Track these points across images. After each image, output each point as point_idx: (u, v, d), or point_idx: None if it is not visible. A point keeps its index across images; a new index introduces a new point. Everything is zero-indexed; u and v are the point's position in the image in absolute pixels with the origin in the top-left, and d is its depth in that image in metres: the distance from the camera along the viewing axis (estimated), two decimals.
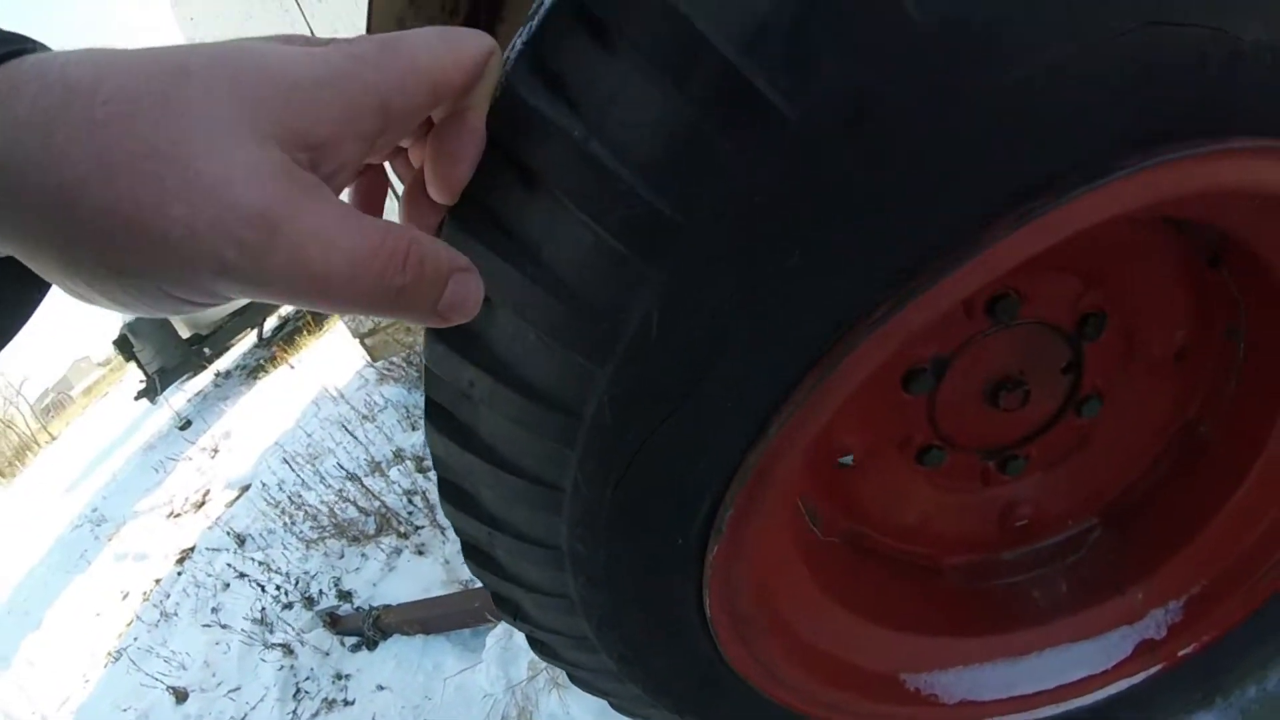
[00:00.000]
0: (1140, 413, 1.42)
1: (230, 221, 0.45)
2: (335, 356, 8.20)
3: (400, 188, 0.72)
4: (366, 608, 3.68)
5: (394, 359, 6.15)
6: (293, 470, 5.52)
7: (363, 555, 4.25)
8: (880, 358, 0.82)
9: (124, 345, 10.73)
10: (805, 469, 1.31)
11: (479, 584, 2.48)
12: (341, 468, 4.92)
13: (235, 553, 5.42)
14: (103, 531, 8.48)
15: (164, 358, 10.65)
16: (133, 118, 0.44)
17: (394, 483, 4.55)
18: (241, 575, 4.82)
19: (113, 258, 0.46)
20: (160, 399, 11.13)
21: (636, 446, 0.81)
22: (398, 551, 4.05)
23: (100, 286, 0.48)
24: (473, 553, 1.09)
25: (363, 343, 6.32)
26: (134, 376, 13.71)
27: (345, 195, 0.65)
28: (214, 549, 5.78)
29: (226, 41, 0.51)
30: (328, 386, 7.03)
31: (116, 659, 5.28)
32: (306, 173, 0.50)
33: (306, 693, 3.61)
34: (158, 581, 6.13)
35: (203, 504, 7.12)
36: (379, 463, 4.87)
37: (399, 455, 4.86)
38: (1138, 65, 0.66)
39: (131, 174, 0.44)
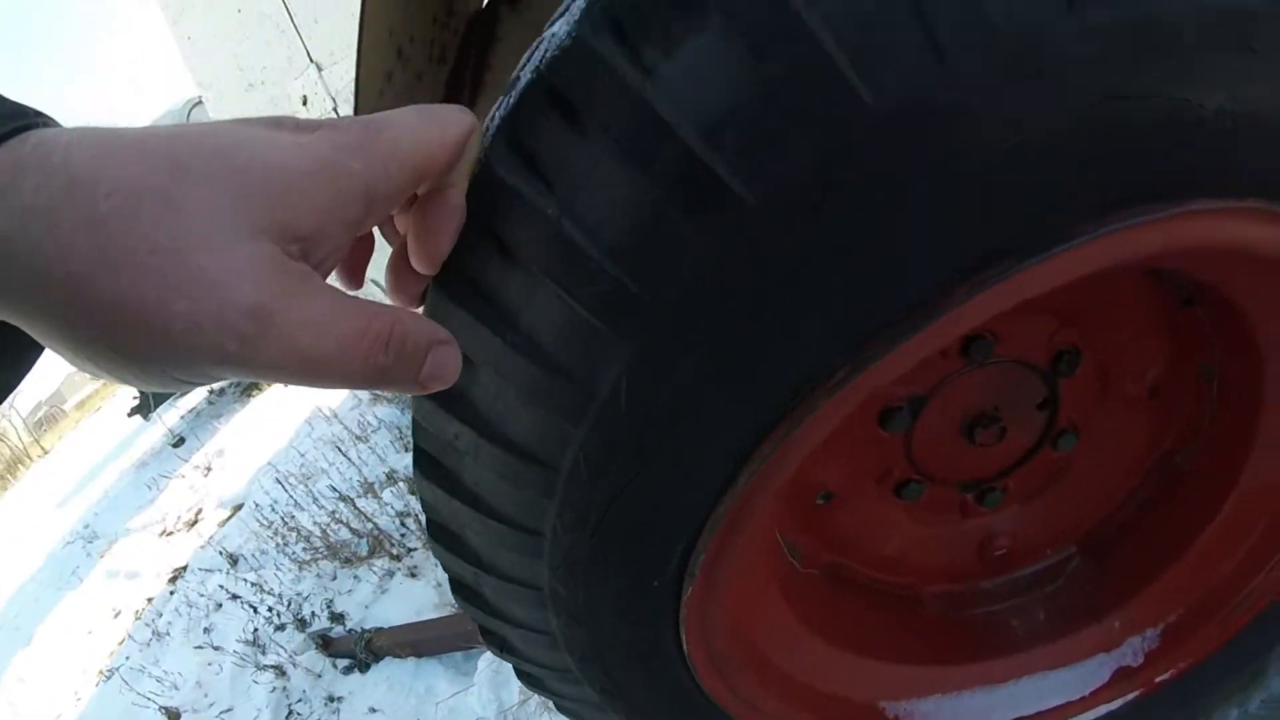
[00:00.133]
0: (1116, 446, 1.45)
1: (229, 316, 0.49)
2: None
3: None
4: (359, 630, 3.71)
5: None
6: (285, 490, 5.55)
7: (355, 577, 4.28)
8: (843, 413, 0.86)
9: None
10: (783, 507, 1.35)
11: None
12: (334, 489, 4.95)
13: (228, 573, 5.45)
14: (95, 548, 8.50)
15: None
16: (135, 214, 0.48)
17: (386, 505, 4.58)
18: (234, 596, 4.84)
19: (118, 345, 0.50)
20: (153, 415, 11.14)
21: (611, 498, 0.85)
22: (390, 574, 4.07)
23: (105, 366, 0.52)
24: (460, 589, 1.13)
25: None
26: (127, 392, 13.72)
27: None
28: (206, 569, 5.81)
29: (221, 128, 0.55)
30: (321, 406, 7.05)
31: (108, 677, 5.30)
32: (298, 263, 0.54)
33: (298, 715, 3.63)
34: (150, 600, 6.16)
35: (195, 522, 7.14)
36: (372, 484, 4.90)
37: (392, 477, 4.88)
38: (1098, 138, 0.70)
39: (135, 270, 0.47)
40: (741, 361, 0.76)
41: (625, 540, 0.91)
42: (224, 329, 0.49)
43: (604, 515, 0.87)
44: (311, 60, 1.45)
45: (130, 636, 5.74)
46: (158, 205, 0.48)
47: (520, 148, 0.70)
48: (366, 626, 3.73)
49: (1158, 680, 1.48)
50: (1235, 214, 0.82)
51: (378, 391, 0.60)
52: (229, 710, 3.97)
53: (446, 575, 1.13)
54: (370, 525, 4.33)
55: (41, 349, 0.59)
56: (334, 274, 0.66)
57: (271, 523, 5.23)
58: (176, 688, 4.47)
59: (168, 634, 5.32)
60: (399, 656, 3.45)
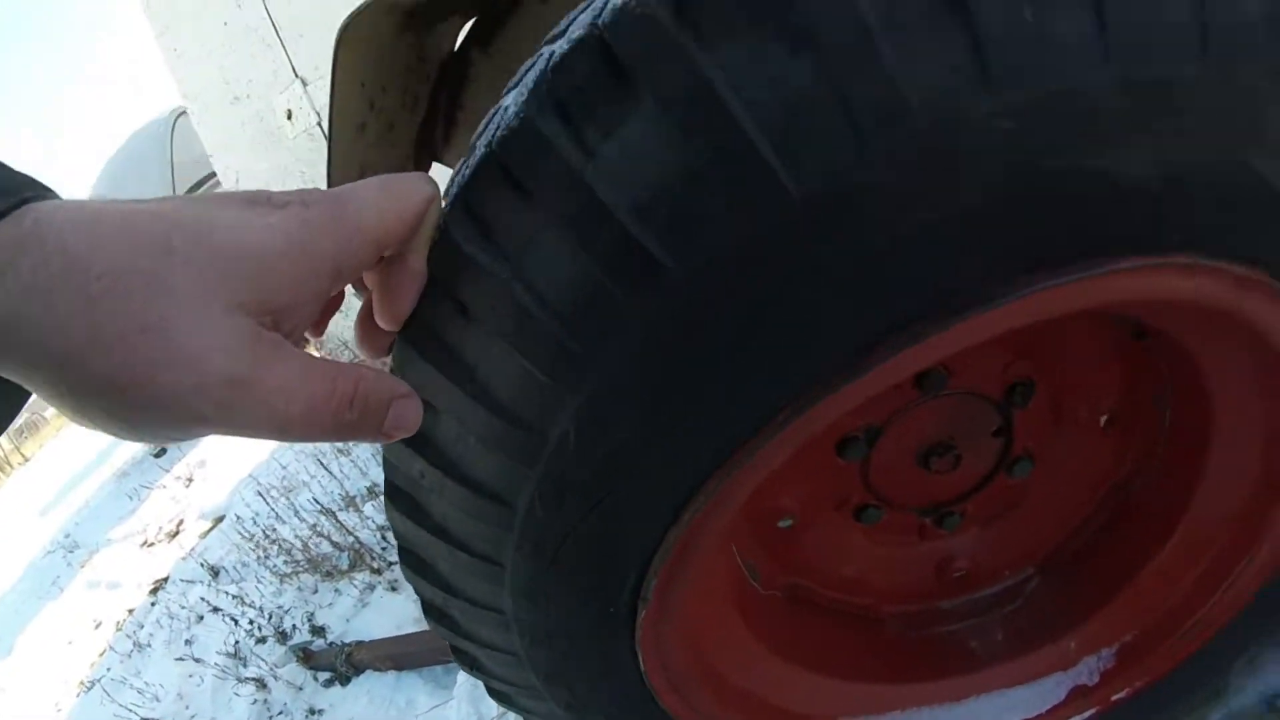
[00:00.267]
0: (1072, 473, 1.51)
1: (209, 386, 0.57)
2: None
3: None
4: (339, 643, 3.75)
5: None
6: (267, 503, 5.58)
7: (336, 591, 4.32)
8: (780, 457, 0.94)
9: None
10: (742, 531, 1.41)
11: None
12: (316, 501, 4.98)
13: (209, 585, 5.48)
14: (75, 558, 8.51)
15: None
16: (125, 296, 0.54)
17: (368, 518, 4.62)
18: (215, 609, 4.88)
19: (111, 411, 0.57)
20: None
21: (565, 532, 0.92)
22: (371, 587, 4.12)
23: (101, 425, 0.59)
24: (432, 611, 1.20)
25: None
26: None
27: None
28: (188, 580, 5.84)
29: (202, 208, 0.62)
30: None
31: (89, 689, 5.33)
32: (270, 333, 0.62)
33: None
34: (131, 611, 6.19)
35: (176, 534, 7.17)
36: (353, 497, 4.94)
37: (373, 490, 4.93)
38: (1018, 206, 0.76)
39: (126, 348, 0.54)
40: (677, 416, 0.83)
41: (580, 570, 0.97)
42: (205, 397, 0.57)
43: (559, 547, 0.94)
44: (296, 75, 1.51)
45: (111, 648, 5.77)
46: (145, 287, 0.55)
47: (476, 217, 0.76)
48: (347, 640, 3.77)
49: (1113, 699, 1.53)
50: (1162, 270, 0.88)
51: (347, 443, 0.68)
52: None
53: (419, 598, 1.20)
54: (351, 539, 4.37)
55: (29, 393, 0.66)
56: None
57: (253, 535, 5.27)
58: (158, 700, 4.50)
59: (149, 645, 5.34)
60: (379, 670, 3.49)
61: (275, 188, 1.53)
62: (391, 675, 3.44)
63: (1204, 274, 0.91)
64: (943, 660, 1.58)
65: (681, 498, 0.92)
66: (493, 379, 0.82)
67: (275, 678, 3.90)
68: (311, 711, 3.61)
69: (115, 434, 0.60)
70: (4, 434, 0.63)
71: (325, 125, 1.62)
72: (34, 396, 0.59)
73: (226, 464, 7.83)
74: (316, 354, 0.70)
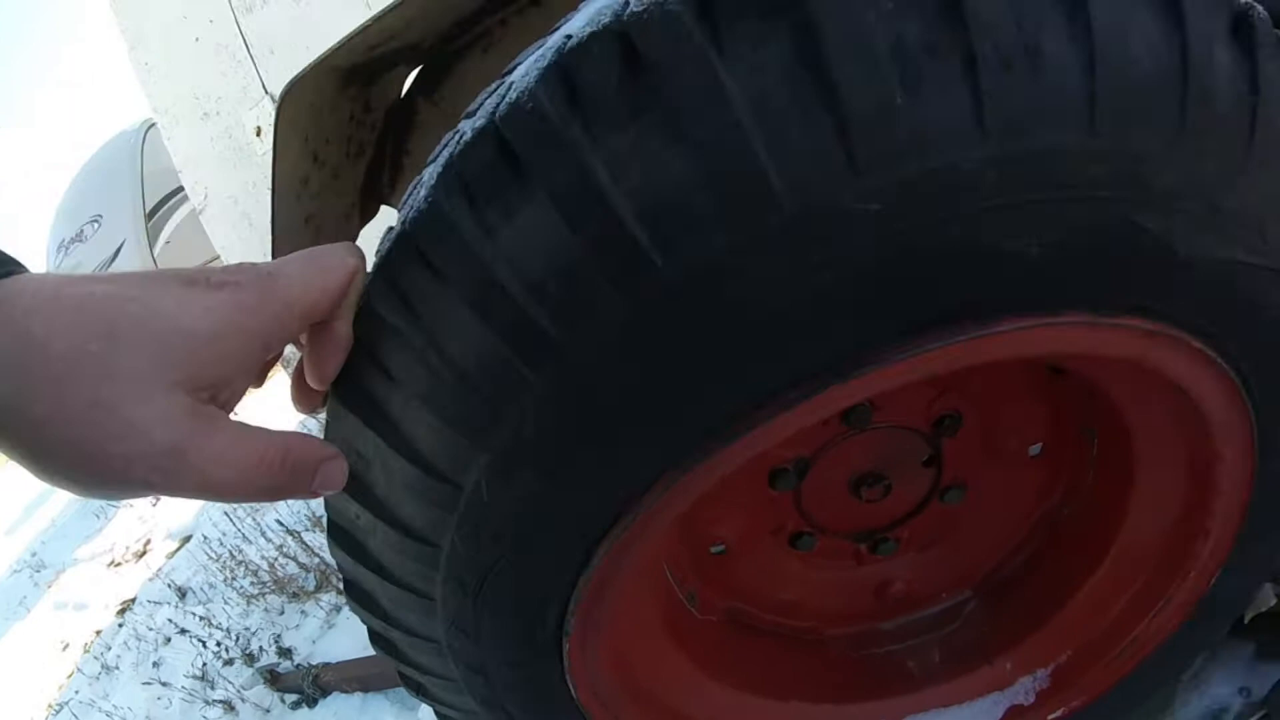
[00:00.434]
0: (1004, 499, 1.59)
1: (152, 456, 0.66)
2: (278, 406, 8.27)
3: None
4: (306, 665, 3.80)
5: None
6: (233, 523, 5.62)
7: (302, 612, 4.39)
8: (684, 504, 1.04)
9: None
10: (676, 559, 1.49)
11: None
12: (281, 522, 5.03)
13: (176, 606, 5.52)
14: (42, 578, 8.52)
15: None
16: (80, 375, 0.64)
17: None
18: (182, 630, 4.92)
19: (72, 473, 0.66)
20: None
21: (486, 570, 1.01)
22: (337, 609, 4.17)
23: (63, 484, 0.68)
24: (377, 640, 1.29)
25: None
26: None
27: None
28: (155, 601, 5.87)
29: (146, 291, 0.70)
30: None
31: (58, 711, 5.35)
32: (207, 406, 0.71)
33: None
34: (98, 633, 6.22)
35: (144, 554, 7.20)
36: (319, 518, 4.98)
37: None
38: (885, 281, 0.84)
39: (82, 421, 0.64)
40: (577, 472, 0.93)
41: (504, 604, 1.06)
42: (150, 465, 0.66)
43: (482, 584, 1.03)
44: (266, 92, 1.55)
45: (79, 670, 5.80)
46: (96, 368, 0.64)
47: (395, 288, 0.85)
48: (314, 661, 3.82)
49: (1049, 718, 1.60)
50: (1058, 327, 0.94)
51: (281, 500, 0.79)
52: None
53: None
54: (317, 560, 4.43)
55: None
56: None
57: (219, 556, 5.32)
58: None
59: (117, 668, 5.38)
60: (346, 691, 3.55)
61: (243, 204, 1.59)
62: (358, 697, 3.49)
63: (1103, 330, 0.98)
64: (882, 681, 1.66)
65: (592, 540, 1.00)
66: (414, 434, 0.91)
67: (243, 700, 3.96)
68: None
69: (73, 491, 0.69)
70: None
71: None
72: None
73: None
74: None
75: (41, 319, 0.64)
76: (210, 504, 6.82)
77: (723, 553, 1.54)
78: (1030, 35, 0.77)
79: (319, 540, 4.69)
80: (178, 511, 7.47)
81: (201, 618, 4.90)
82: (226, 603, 4.99)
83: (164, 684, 4.64)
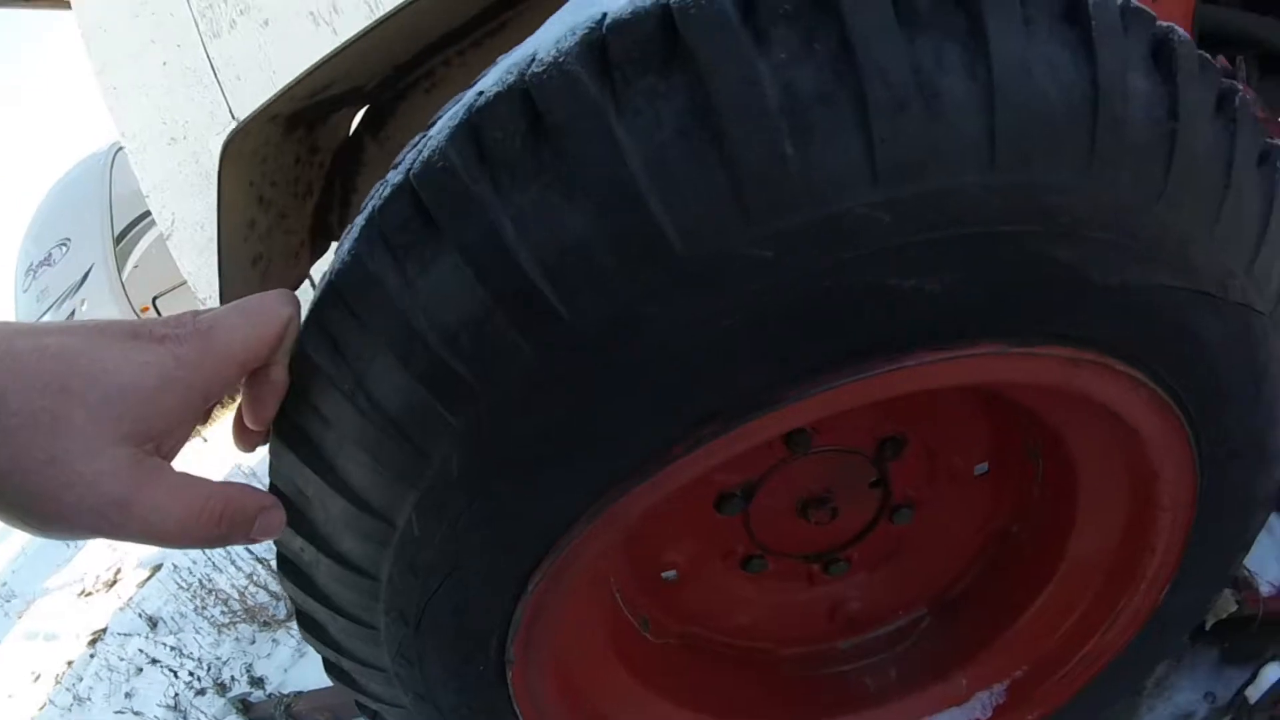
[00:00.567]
0: (953, 518, 1.63)
1: (101, 506, 0.71)
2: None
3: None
4: (278, 694, 3.81)
5: None
6: (203, 551, 5.64)
7: (274, 641, 4.41)
8: (611, 536, 1.09)
9: None
10: (628, 585, 1.53)
11: None
12: (251, 551, 5.05)
13: (147, 636, 5.53)
14: (13, 608, 8.49)
15: None
16: (34, 429, 0.69)
17: None
18: (154, 660, 4.94)
19: (30, 519, 0.72)
20: None
21: (424, 601, 1.06)
22: None
23: (19, 527, 0.73)
24: (331, 669, 1.34)
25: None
26: None
27: None
28: (125, 632, 5.88)
29: (94, 343, 0.75)
30: (240, 464, 7.11)
31: None
32: (151, 458, 0.76)
33: None
34: (70, 663, 6.21)
35: (114, 583, 7.19)
36: None
37: None
38: (785, 322, 0.88)
39: (37, 473, 0.69)
40: (500, 509, 0.98)
41: (444, 634, 1.11)
42: (98, 515, 0.72)
43: (421, 614, 1.08)
44: (234, 117, 1.57)
45: (51, 701, 5.79)
46: (50, 424, 0.69)
47: (325, 335, 0.90)
48: (286, 690, 3.84)
49: None
50: (972, 359, 0.98)
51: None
52: None
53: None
54: None
55: None
56: None
57: (190, 585, 5.33)
58: None
59: (89, 699, 5.38)
60: None
61: (210, 229, 1.62)
62: None
63: (1020, 359, 1.01)
64: (840, 700, 1.70)
65: (524, 572, 1.05)
66: (348, 473, 0.97)
67: None
68: None
69: (26, 531, 0.74)
70: None
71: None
72: None
73: None
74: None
75: (1, 375, 0.70)
76: None
77: (675, 578, 1.58)
78: (926, 77, 0.80)
79: None
80: None
81: (173, 647, 4.91)
82: (198, 632, 5.01)
83: (136, 714, 4.65)
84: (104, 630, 6.32)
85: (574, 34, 0.81)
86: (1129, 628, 1.53)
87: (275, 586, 4.56)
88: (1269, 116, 2.36)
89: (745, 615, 1.69)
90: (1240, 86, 1.00)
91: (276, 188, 1.60)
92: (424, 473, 0.94)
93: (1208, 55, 0.96)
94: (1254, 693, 1.88)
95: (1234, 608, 1.86)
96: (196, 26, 1.63)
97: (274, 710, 3.69)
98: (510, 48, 0.90)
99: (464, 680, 1.19)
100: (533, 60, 0.82)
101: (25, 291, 8.45)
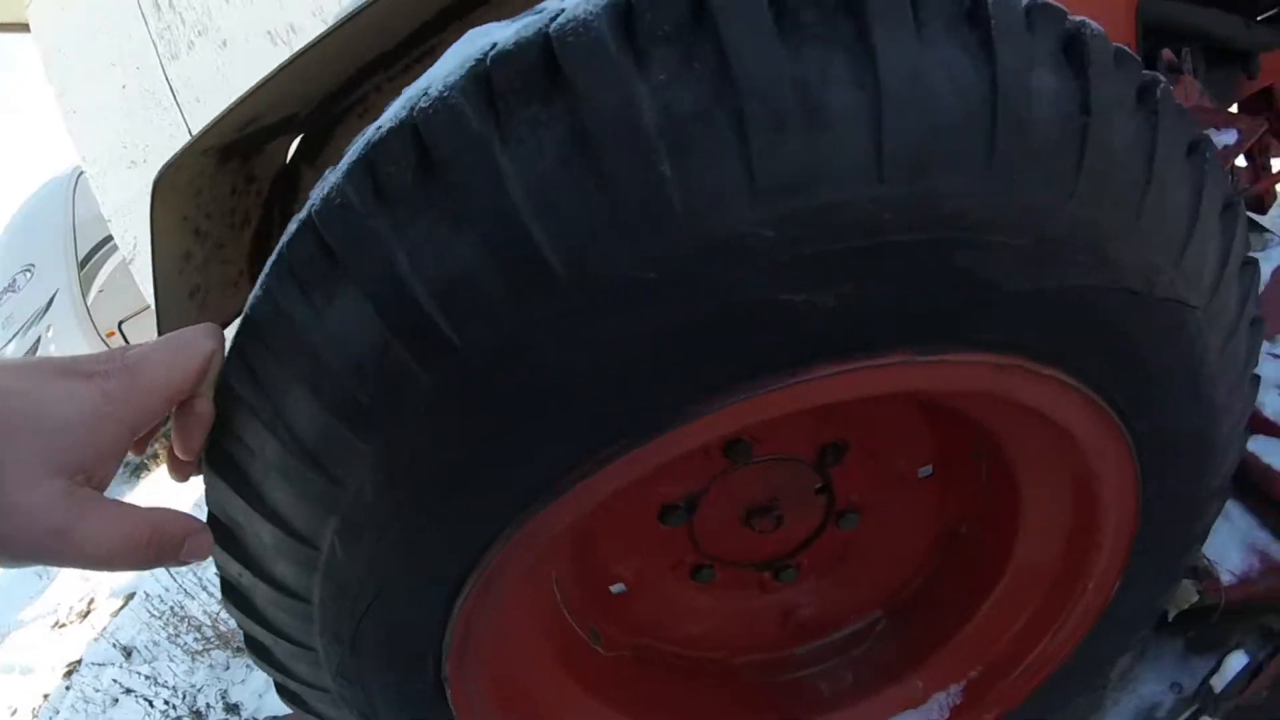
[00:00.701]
0: (901, 521, 1.66)
1: (38, 535, 0.76)
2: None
3: None
4: None
5: None
6: (174, 579, 5.65)
7: (247, 666, 4.42)
8: (534, 555, 1.12)
9: None
10: (577, 600, 1.56)
11: None
12: None
13: (122, 666, 5.53)
14: None
15: None
16: None
17: None
18: (128, 690, 4.94)
19: None
20: None
21: (355, 623, 1.09)
22: None
23: None
24: (282, 691, 1.38)
25: None
26: None
27: None
28: (100, 663, 5.87)
29: (29, 380, 0.80)
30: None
31: None
32: (83, 489, 0.80)
33: None
34: (46, 696, 6.19)
35: (88, 613, 7.18)
36: None
37: None
38: (678, 344, 0.90)
39: None
40: (416, 531, 1.01)
41: (379, 654, 1.15)
42: (37, 544, 0.76)
43: (355, 636, 1.11)
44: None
45: None
46: None
47: (246, 366, 0.94)
48: (261, 716, 3.86)
49: None
50: (881, 369, 1.00)
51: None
52: None
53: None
54: None
55: None
56: None
57: (162, 613, 5.34)
58: None
59: None
60: None
61: None
62: None
63: (933, 368, 1.02)
64: (797, 706, 1.73)
65: (449, 591, 1.09)
66: (273, 499, 1.00)
67: None
68: None
69: None
70: None
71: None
72: None
73: None
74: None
75: None
76: None
77: (624, 591, 1.61)
78: (810, 90, 0.82)
79: None
80: None
81: (148, 677, 4.92)
82: (172, 660, 5.02)
83: None
84: (79, 661, 6.31)
85: (463, 67, 0.84)
86: (1082, 625, 1.56)
87: None
88: (1215, 107, 2.42)
89: (697, 625, 1.72)
90: (1162, 78, 1.01)
91: (212, 219, 1.61)
92: (341, 498, 0.97)
93: (1125, 48, 0.97)
94: (1219, 682, 1.89)
95: (1195, 598, 1.86)
96: (155, 48, 1.65)
97: None
98: None
99: (405, 699, 1.22)
100: (424, 94, 0.85)
101: None
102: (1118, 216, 0.97)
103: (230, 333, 0.98)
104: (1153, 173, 0.97)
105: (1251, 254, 2.18)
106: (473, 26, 0.92)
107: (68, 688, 6.01)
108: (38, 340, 8.14)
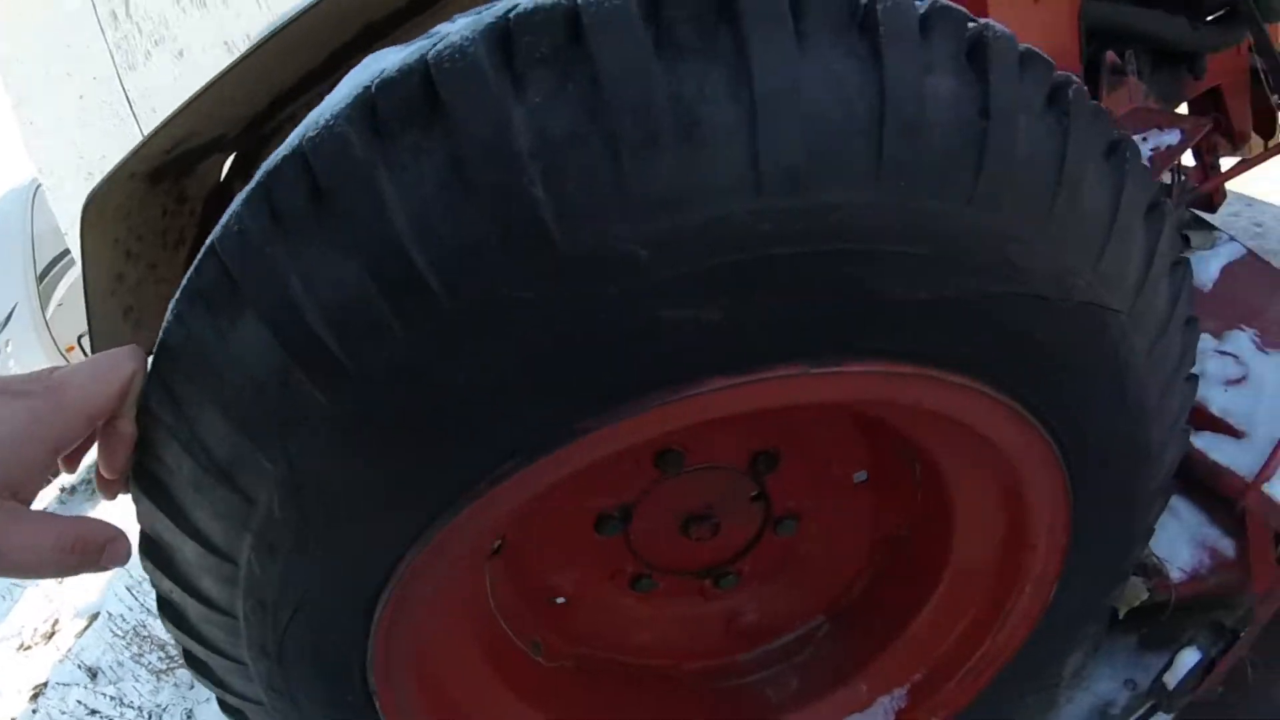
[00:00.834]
0: (840, 526, 1.69)
1: None
2: None
3: None
4: None
5: None
6: (136, 598, 5.64)
7: None
8: (444, 569, 1.16)
9: None
10: (515, 612, 1.59)
11: None
12: None
13: (87, 687, 5.52)
14: None
15: None
16: None
17: None
18: (94, 712, 4.94)
19: None
20: None
21: (279, 637, 1.13)
22: None
23: None
24: (223, 705, 1.41)
25: None
26: None
27: None
28: (66, 684, 5.86)
29: None
30: None
31: None
32: (10, 503, 0.84)
33: None
34: None
35: (52, 635, 7.14)
36: None
37: None
38: (560, 353, 0.93)
39: None
40: (322, 547, 1.05)
41: (306, 667, 1.18)
42: None
43: (280, 650, 1.14)
44: None
45: None
46: None
47: (164, 387, 0.97)
48: None
49: None
50: (774, 381, 1.01)
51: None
52: None
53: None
54: None
55: None
56: None
57: (125, 633, 5.33)
58: None
59: None
60: None
61: None
62: None
63: (829, 379, 1.04)
64: (743, 712, 1.76)
65: (365, 604, 1.12)
66: (194, 516, 1.04)
67: None
68: None
69: None
70: None
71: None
72: None
73: None
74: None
75: None
76: (115, 577, 6.82)
77: (564, 602, 1.63)
78: (685, 107, 0.83)
79: None
80: (84, 588, 7.41)
81: (113, 697, 4.92)
82: (137, 680, 5.01)
83: None
84: (45, 684, 6.29)
85: (351, 95, 0.87)
86: (1022, 626, 1.59)
87: None
88: (1160, 108, 2.45)
89: (641, 634, 1.75)
90: (1075, 79, 1.01)
91: (144, 241, 1.62)
92: (254, 515, 1.01)
93: (1037, 50, 0.97)
94: (1172, 678, 1.92)
95: (1145, 595, 1.90)
96: (113, 58, 1.65)
97: None
98: None
99: (336, 711, 1.25)
100: (315, 122, 0.88)
101: None
102: (1024, 221, 0.97)
103: None
104: (1064, 175, 0.98)
105: (1201, 252, 2.25)
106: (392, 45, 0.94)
107: (34, 710, 5.99)
108: None
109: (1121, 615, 1.93)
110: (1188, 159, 2.65)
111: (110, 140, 1.66)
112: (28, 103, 1.87)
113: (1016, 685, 1.73)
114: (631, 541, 1.56)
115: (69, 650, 6.45)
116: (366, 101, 0.86)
